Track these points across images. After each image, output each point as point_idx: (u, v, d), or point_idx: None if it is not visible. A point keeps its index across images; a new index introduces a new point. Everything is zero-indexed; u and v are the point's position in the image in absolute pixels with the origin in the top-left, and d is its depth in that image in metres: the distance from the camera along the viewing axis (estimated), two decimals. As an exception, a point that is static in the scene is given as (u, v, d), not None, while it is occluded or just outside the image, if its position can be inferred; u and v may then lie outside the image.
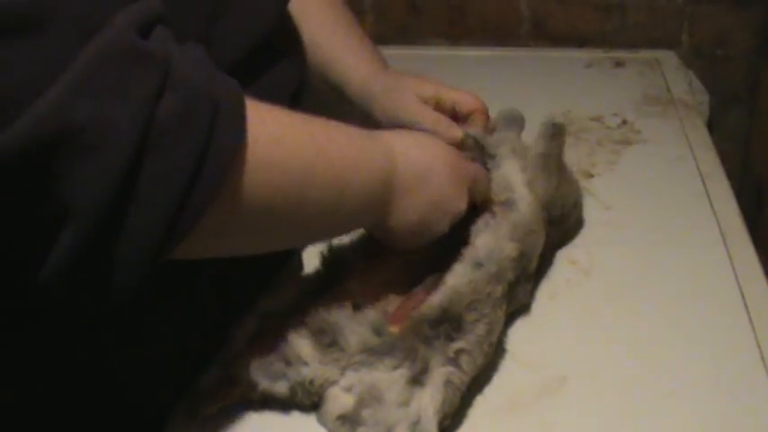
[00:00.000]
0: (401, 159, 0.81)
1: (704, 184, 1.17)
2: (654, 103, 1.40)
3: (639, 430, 0.82)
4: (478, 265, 0.86)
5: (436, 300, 0.82)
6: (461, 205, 0.86)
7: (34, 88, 0.52)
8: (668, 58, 1.59)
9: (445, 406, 0.78)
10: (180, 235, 0.60)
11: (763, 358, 0.88)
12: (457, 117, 1.02)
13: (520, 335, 0.92)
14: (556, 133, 1.01)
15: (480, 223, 0.90)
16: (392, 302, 0.86)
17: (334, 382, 0.80)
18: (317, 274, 0.91)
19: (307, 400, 0.81)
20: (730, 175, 1.21)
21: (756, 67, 1.76)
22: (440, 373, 0.79)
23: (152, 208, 0.58)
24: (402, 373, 0.78)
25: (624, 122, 1.34)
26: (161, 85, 0.58)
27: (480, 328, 0.83)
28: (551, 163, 0.99)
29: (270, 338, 0.81)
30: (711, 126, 1.61)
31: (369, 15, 1.79)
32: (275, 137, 0.68)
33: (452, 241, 0.88)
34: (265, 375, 0.80)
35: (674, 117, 1.36)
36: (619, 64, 1.55)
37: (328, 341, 0.80)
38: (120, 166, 0.56)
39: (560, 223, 1.01)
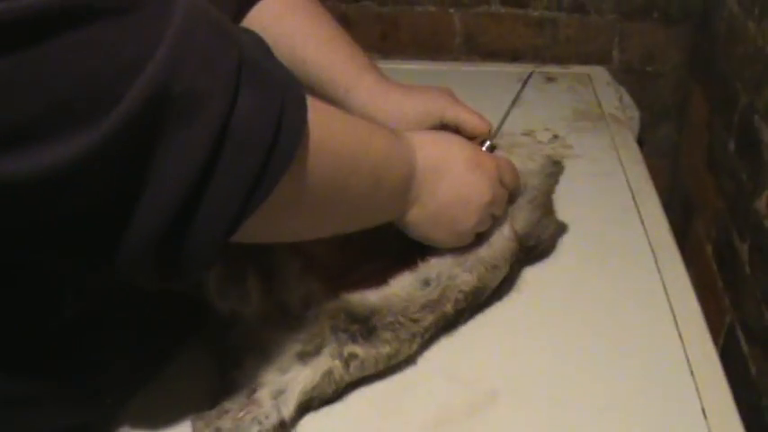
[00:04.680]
0: (419, 155, 0.85)
1: (634, 198, 1.18)
2: (585, 119, 1.41)
3: (570, 446, 0.81)
4: (426, 282, 0.86)
5: (372, 298, 0.84)
6: (484, 196, 0.89)
7: (138, 63, 0.53)
8: (599, 74, 1.60)
9: (315, 391, 0.81)
10: (255, 204, 0.62)
11: (691, 372, 0.88)
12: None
13: (449, 350, 0.91)
14: (554, 172, 1.01)
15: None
16: (335, 265, 0.88)
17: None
18: None
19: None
20: (659, 189, 1.23)
21: (685, 83, 1.79)
22: (326, 363, 0.82)
23: (233, 177, 0.60)
24: (296, 346, 0.82)
25: (555, 137, 1.34)
26: (239, 61, 0.60)
27: (386, 349, 0.84)
28: (540, 198, 0.99)
29: (231, 266, 0.84)
30: (641, 141, 1.63)
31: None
32: (326, 124, 0.72)
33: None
34: (218, 293, 0.84)
35: (605, 132, 1.37)
36: (550, 79, 1.56)
37: (270, 287, 0.84)
38: (211, 135, 0.58)
39: (530, 251, 1.01)
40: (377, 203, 0.82)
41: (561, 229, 1.07)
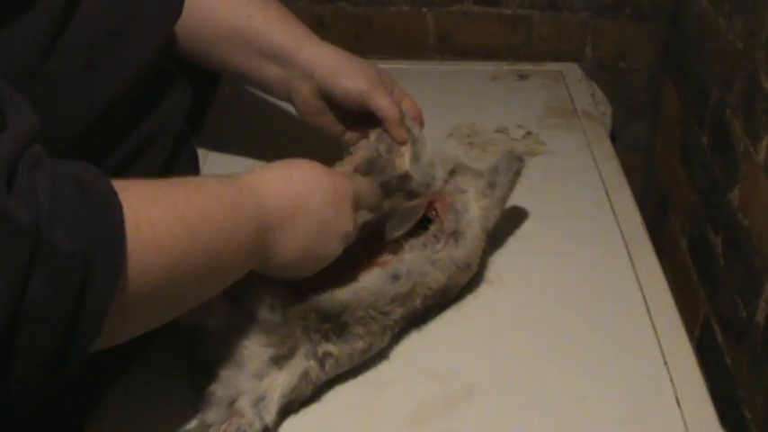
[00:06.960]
0: (271, 198, 0.78)
1: (607, 194, 1.19)
2: (558, 115, 1.41)
3: (546, 438, 0.82)
4: (395, 277, 0.86)
5: (341, 295, 0.84)
6: (346, 225, 0.84)
7: None
8: (572, 71, 1.60)
9: (294, 393, 0.81)
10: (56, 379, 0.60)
11: (665, 362, 0.89)
12: None
13: (425, 346, 0.92)
14: (520, 168, 0.99)
15: (419, 242, 0.91)
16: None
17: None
18: None
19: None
20: (633, 185, 1.23)
21: (657, 79, 1.80)
22: (301, 364, 0.82)
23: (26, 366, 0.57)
24: (269, 351, 0.81)
25: (529, 134, 1.34)
26: (30, 261, 0.55)
27: (359, 344, 0.85)
28: (508, 195, 1.00)
29: None
30: (615, 137, 1.64)
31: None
32: (149, 244, 0.65)
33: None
34: None
35: (578, 128, 1.37)
36: (523, 76, 1.56)
37: (235, 297, 0.82)
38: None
39: None
40: (224, 273, 0.76)
41: None
